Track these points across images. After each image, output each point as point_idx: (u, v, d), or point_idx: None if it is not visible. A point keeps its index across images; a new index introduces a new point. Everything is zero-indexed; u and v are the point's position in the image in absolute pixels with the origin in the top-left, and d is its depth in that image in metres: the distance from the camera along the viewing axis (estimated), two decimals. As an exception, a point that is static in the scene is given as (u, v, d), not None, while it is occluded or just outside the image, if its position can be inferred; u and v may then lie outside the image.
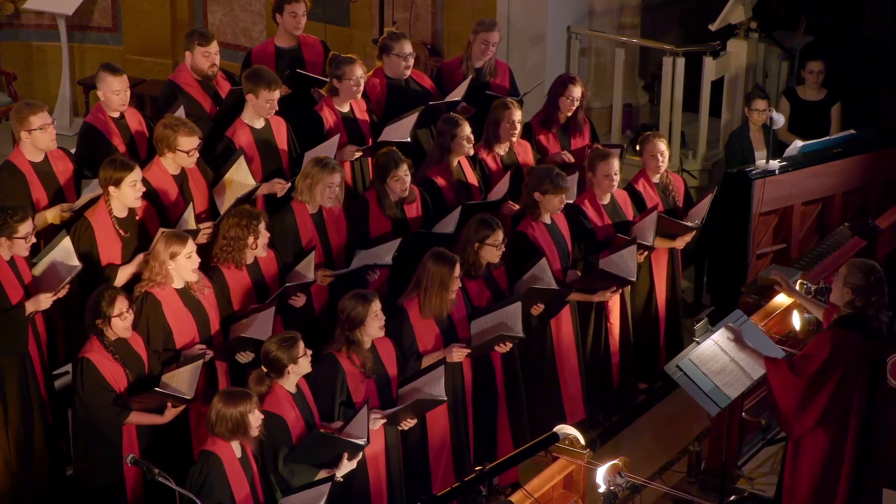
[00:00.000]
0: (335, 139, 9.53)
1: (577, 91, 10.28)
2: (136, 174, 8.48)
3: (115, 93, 9.38)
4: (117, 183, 8.43)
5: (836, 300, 7.97)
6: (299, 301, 8.60)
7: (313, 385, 7.85)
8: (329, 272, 8.84)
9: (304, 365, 7.64)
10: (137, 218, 8.68)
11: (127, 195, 8.48)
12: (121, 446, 7.81)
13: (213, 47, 10.01)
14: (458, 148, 9.62)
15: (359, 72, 9.84)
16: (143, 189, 8.57)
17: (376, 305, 7.91)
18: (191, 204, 8.86)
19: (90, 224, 8.48)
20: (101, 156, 9.11)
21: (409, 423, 8.07)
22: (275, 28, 10.90)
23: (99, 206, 8.55)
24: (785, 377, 7.89)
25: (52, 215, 8.83)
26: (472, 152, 9.74)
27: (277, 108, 9.54)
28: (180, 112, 9.54)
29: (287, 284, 8.50)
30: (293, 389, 7.66)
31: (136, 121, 9.64)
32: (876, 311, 7.87)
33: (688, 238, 9.97)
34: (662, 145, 10.01)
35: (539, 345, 9.19)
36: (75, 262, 8.19)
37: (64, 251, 8.23)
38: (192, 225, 8.71)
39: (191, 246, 8.12)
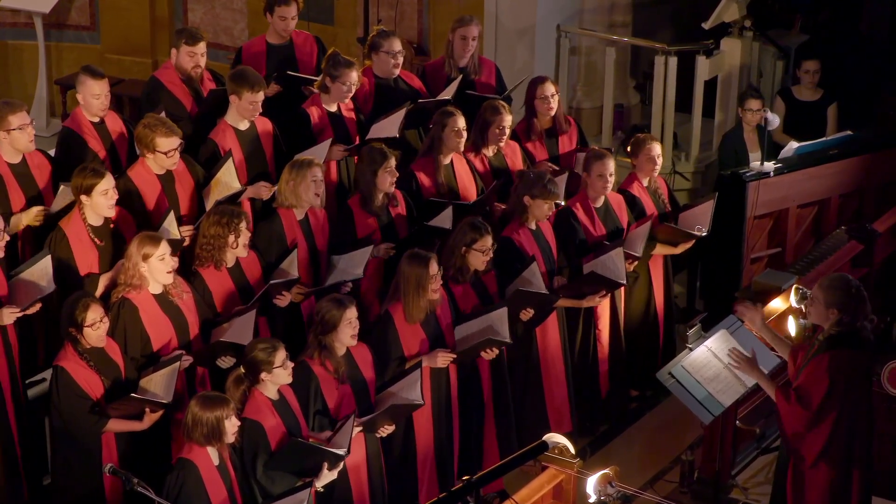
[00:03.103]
0: (326, 143, 9.48)
1: (548, 88, 10.19)
2: (107, 182, 8.35)
3: (94, 97, 9.25)
4: (88, 191, 8.31)
5: (821, 322, 7.86)
6: (284, 300, 8.52)
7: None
8: (303, 289, 8.74)
9: (279, 374, 7.57)
10: (111, 226, 8.55)
11: (99, 204, 8.35)
12: (100, 455, 7.74)
13: (200, 48, 9.95)
14: (448, 139, 9.52)
15: (354, 77, 9.82)
16: (116, 196, 8.45)
17: (351, 313, 7.87)
18: (171, 212, 8.72)
19: (65, 234, 8.36)
20: (80, 161, 9.00)
21: (387, 430, 8.05)
22: (256, 26, 10.92)
23: (73, 215, 8.44)
24: (794, 408, 7.76)
25: (28, 218, 8.72)
26: (461, 148, 9.65)
27: (262, 110, 9.45)
28: (161, 113, 9.43)
29: (272, 282, 8.43)
30: (274, 396, 7.62)
31: (116, 125, 9.52)
32: (863, 320, 7.78)
33: (689, 245, 9.90)
34: (658, 147, 9.97)
35: (524, 353, 9.11)
36: (50, 283, 8.08)
37: (42, 270, 8.10)
38: (174, 233, 8.59)
39: (164, 248, 8.02)
